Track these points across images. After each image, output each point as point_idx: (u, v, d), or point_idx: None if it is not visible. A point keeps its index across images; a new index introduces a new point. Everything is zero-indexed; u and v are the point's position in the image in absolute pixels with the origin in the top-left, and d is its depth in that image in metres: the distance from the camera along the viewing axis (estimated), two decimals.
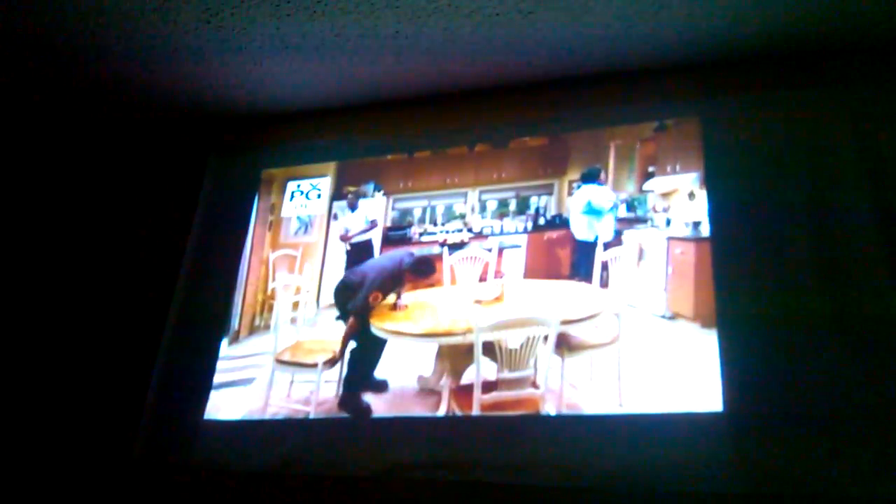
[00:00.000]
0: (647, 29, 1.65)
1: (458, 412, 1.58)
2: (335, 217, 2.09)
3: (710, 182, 1.62)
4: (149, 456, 1.71)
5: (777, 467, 1.26)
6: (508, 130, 1.94)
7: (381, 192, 2.07)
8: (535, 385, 1.57)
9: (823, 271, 1.42)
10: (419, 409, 1.65)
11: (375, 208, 2.06)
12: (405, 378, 1.73)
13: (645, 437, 1.39)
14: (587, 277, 1.83)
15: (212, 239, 2.01)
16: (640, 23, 1.63)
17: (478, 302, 1.81)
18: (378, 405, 1.67)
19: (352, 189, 2.06)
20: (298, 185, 2.07)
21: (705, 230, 1.63)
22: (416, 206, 2.12)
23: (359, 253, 2.04)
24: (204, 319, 1.88)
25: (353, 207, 2.10)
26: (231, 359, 1.88)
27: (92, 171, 2.23)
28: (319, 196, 2.04)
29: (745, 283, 1.46)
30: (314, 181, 2.06)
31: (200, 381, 1.79)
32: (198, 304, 1.91)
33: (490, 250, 1.99)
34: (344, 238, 2.09)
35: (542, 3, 1.58)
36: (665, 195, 1.89)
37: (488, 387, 1.55)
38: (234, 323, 1.96)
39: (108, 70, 1.91)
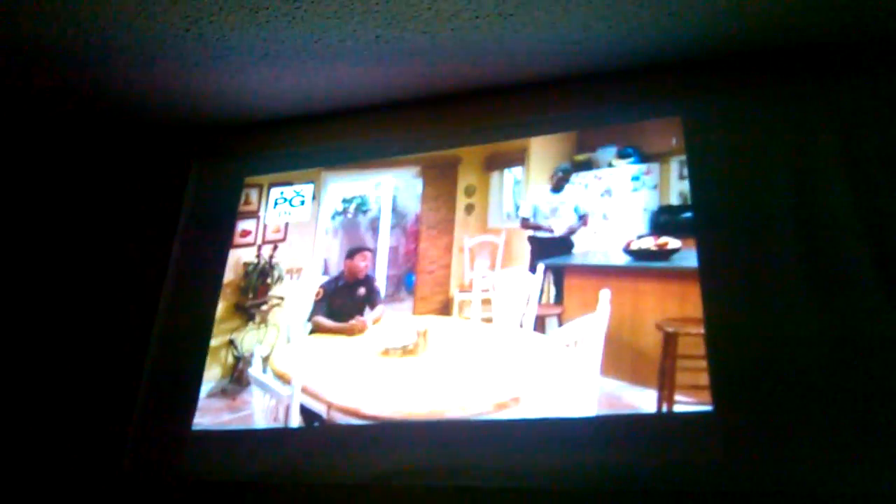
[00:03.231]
0: (628, 29, 1.65)
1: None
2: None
3: (693, 182, 1.62)
4: (137, 467, 1.70)
5: (767, 466, 1.27)
6: (491, 133, 1.94)
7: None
8: None
9: (811, 270, 1.42)
10: None
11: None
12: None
13: (636, 438, 1.39)
14: None
15: (196, 247, 2.00)
16: (620, 23, 1.63)
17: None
18: None
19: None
20: (282, 192, 2.06)
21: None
22: None
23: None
24: (190, 328, 1.87)
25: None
26: None
27: (73, 180, 2.21)
28: (303, 203, 2.04)
29: (731, 284, 1.45)
30: (298, 188, 2.06)
31: (188, 391, 1.78)
32: (183, 313, 1.90)
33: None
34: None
35: (522, 5, 1.57)
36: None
37: None
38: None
39: (89, 80, 1.89)
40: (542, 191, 1.89)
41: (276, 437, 1.67)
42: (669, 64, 1.78)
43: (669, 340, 1.48)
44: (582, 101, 1.85)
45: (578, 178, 1.84)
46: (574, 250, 1.81)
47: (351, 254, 1.96)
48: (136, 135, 2.18)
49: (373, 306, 1.88)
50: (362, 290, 1.92)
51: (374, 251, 1.97)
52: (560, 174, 1.86)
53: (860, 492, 1.20)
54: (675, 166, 1.70)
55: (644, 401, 1.44)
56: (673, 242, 1.62)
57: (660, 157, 1.76)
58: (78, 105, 2.03)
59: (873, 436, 1.24)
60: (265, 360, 1.80)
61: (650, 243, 1.67)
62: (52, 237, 2.11)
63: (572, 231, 1.82)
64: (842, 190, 1.47)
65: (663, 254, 1.63)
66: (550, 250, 1.81)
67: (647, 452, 1.34)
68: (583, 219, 1.81)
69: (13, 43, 1.72)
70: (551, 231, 1.83)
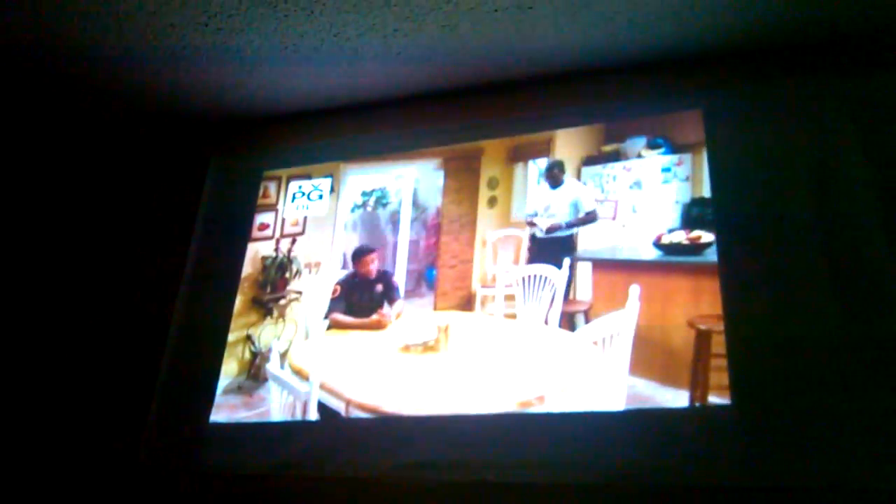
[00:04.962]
0: (649, 22, 1.63)
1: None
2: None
3: (713, 176, 1.58)
4: (154, 460, 1.69)
5: (786, 460, 1.24)
6: (509, 127, 1.92)
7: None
8: None
9: (831, 266, 1.39)
10: None
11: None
12: None
13: (654, 432, 1.36)
14: None
15: (214, 241, 2.00)
16: (640, 16, 1.61)
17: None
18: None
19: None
20: (300, 186, 2.05)
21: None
22: None
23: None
24: (207, 322, 1.86)
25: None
26: None
27: (93, 175, 2.23)
28: (321, 197, 2.02)
29: (752, 279, 1.43)
30: (316, 182, 2.04)
31: (205, 385, 1.77)
32: (201, 307, 1.90)
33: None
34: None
35: None
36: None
37: None
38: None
39: (108, 75, 1.90)
40: (542, 188, 1.84)
41: (292, 431, 1.65)
42: (691, 57, 1.75)
43: (702, 338, 1.43)
44: (602, 95, 1.83)
45: (599, 169, 1.77)
46: (581, 247, 1.75)
47: (356, 257, 1.90)
48: (154, 129, 2.19)
49: (391, 302, 1.85)
50: (380, 287, 1.89)
51: (379, 249, 1.91)
52: (555, 170, 1.81)
53: (881, 487, 1.17)
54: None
55: (675, 401, 1.39)
56: (706, 236, 1.57)
57: (691, 148, 1.72)
58: (95, 100, 2.04)
59: (893, 432, 1.21)
60: (283, 355, 1.78)
61: (681, 237, 1.61)
62: (71, 232, 2.12)
63: (555, 228, 1.75)
64: (864, 186, 1.44)
65: (696, 248, 1.58)
66: (547, 249, 1.76)
67: (665, 447, 1.32)
68: (590, 214, 1.74)
69: (33, 40, 1.73)
70: (535, 227, 1.79)
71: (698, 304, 1.48)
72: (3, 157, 2.14)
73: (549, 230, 1.78)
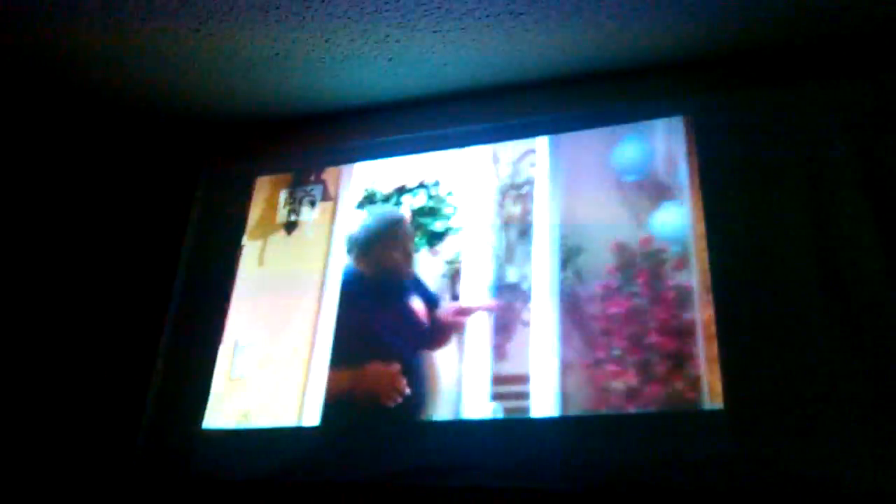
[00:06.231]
0: (639, 27, 1.64)
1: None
2: None
3: (704, 183, 1.59)
4: (147, 467, 1.70)
5: (779, 463, 1.26)
6: (496, 133, 1.93)
7: None
8: None
9: (822, 268, 1.41)
10: None
11: None
12: None
13: (645, 436, 1.38)
14: None
15: (206, 248, 2.00)
16: (631, 21, 1.62)
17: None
18: None
19: None
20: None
21: None
22: None
23: None
24: (200, 328, 1.87)
25: None
26: None
27: (83, 181, 2.22)
28: (313, 203, 2.03)
29: (743, 282, 1.45)
30: (307, 188, 2.05)
31: (198, 391, 1.77)
32: (194, 314, 1.90)
33: None
34: None
35: (533, 4, 1.57)
36: None
37: None
38: None
39: (98, 80, 1.90)
40: None
41: (287, 436, 1.66)
42: (680, 62, 1.77)
43: None
44: (590, 101, 1.84)
45: None
46: None
47: None
48: (146, 135, 2.19)
49: None
50: None
51: None
52: None
53: (874, 490, 1.19)
54: None
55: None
56: None
57: None
58: (87, 105, 2.03)
59: (888, 433, 1.23)
60: None
61: None
62: (62, 236, 2.11)
63: None
64: (857, 193, 1.45)
65: None
66: None
67: (657, 451, 1.33)
68: None
69: (23, 46, 1.72)
70: None
71: None
72: None
73: None
